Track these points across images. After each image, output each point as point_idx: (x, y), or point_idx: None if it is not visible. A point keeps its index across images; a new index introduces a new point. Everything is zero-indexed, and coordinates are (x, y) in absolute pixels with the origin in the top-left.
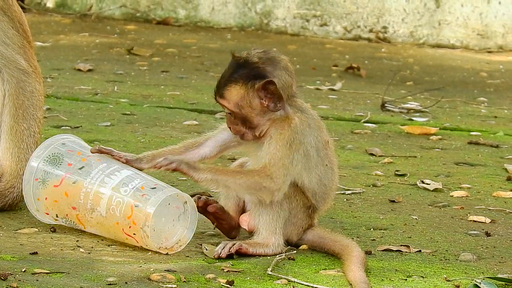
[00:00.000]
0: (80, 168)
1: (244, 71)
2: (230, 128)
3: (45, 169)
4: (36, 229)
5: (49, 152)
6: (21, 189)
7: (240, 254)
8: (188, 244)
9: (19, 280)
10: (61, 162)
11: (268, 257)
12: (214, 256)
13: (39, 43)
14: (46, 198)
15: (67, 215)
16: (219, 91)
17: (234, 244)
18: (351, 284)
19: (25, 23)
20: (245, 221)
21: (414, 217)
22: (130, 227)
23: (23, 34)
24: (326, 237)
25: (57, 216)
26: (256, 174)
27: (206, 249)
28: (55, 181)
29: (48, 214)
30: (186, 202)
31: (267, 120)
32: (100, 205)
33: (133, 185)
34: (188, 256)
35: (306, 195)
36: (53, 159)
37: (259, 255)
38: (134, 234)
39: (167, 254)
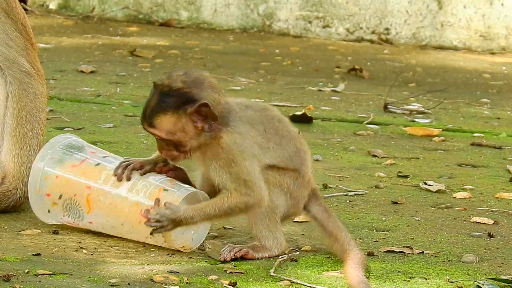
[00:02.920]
0: (104, 157)
1: (171, 99)
2: (161, 152)
3: (65, 151)
4: (39, 231)
5: (68, 142)
6: (24, 191)
7: (245, 259)
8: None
9: (22, 281)
10: (83, 149)
11: (271, 258)
12: (219, 259)
13: (41, 45)
14: (57, 176)
15: (75, 195)
16: (148, 121)
17: (241, 249)
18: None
19: (28, 25)
20: None
21: (417, 218)
22: (151, 208)
23: (26, 36)
24: (328, 230)
25: (59, 198)
26: (232, 201)
27: (209, 248)
28: (74, 161)
29: (49, 195)
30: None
31: (199, 141)
32: (122, 185)
33: (162, 177)
34: (190, 258)
35: (284, 169)
36: (75, 147)
37: (265, 258)
38: None
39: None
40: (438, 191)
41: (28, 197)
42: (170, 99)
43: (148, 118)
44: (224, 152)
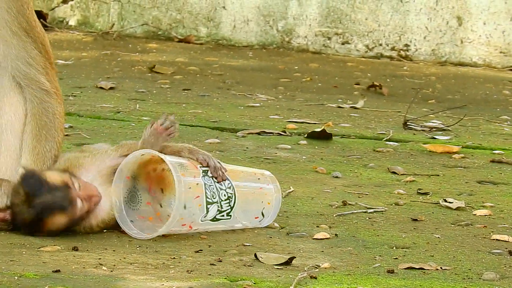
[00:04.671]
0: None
1: None
2: None
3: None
4: (59, 247)
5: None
6: None
7: None
8: (209, 261)
9: None
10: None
11: (290, 276)
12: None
13: (61, 61)
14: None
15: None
16: None
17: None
18: None
19: (47, 44)
20: None
21: (437, 235)
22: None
23: (45, 55)
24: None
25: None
26: None
27: (262, 257)
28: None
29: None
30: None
31: None
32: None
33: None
34: (210, 274)
35: None
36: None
37: None
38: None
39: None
40: (458, 208)
41: None
42: None
43: None
44: None
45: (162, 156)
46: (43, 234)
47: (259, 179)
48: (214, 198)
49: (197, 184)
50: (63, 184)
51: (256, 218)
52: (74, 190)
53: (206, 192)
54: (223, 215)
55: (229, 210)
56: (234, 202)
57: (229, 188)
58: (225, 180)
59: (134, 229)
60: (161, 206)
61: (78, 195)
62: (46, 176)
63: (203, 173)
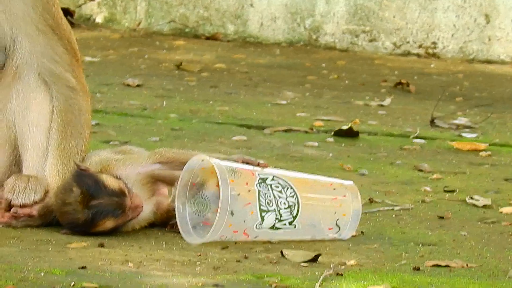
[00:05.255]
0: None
1: None
2: None
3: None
4: (85, 244)
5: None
6: None
7: None
8: (235, 258)
9: None
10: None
11: (316, 273)
12: None
13: (88, 58)
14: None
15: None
16: None
17: None
18: None
19: (73, 41)
20: None
21: (463, 233)
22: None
23: (71, 53)
24: None
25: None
26: None
27: (288, 255)
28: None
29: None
30: None
31: None
32: None
33: None
34: (236, 271)
35: None
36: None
37: None
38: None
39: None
40: (484, 206)
41: None
42: None
43: None
44: None
45: (213, 160)
46: (84, 233)
47: (334, 189)
48: (270, 206)
49: (249, 190)
50: (120, 191)
51: (330, 229)
52: (128, 199)
53: (259, 199)
54: (284, 224)
55: (291, 219)
56: (297, 212)
57: (292, 197)
58: (267, 167)
59: (192, 235)
60: (232, 214)
61: (129, 204)
62: (103, 179)
63: (260, 181)
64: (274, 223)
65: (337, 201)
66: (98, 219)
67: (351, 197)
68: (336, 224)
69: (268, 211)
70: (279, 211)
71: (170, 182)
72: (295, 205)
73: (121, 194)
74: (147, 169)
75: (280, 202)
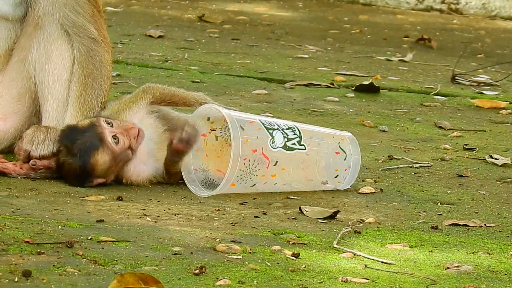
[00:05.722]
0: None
1: None
2: None
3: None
4: (103, 197)
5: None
6: None
7: None
8: (253, 214)
9: (85, 248)
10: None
11: (335, 230)
12: None
13: (110, 8)
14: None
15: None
16: None
17: None
18: None
19: None
20: None
21: (482, 192)
22: None
23: (93, 3)
24: None
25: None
26: None
27: (306, 211)
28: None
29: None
30: None
31: None
32: None
33: None
34: (254, 227)
35: None
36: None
37: None
38: None
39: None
40: (504, 165)
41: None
42: None
43: None
44: None
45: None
46: (96, 181)
47: (333, 137)
48: (273, 126)
49: (252, 122)
50: (90, 125)
51: (337, 153)
52: (104, 128)
53: (260, 120)
54: (294, 144)
55: (298, 138)
56: (300, 132)
57: (290, 127)
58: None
59: (201, 189)
60: (242, 129)
61: (110, 131)
62: (76, 125)
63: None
64: (285, 142)
65: (336, 134)
66: (88, 158)
67: (348, 138)
68: (340, 147)
69: (273, 129)
70: (282, 129)
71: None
72: (294, 127)
73: (91, 127)
74: (144, 112)
75: (280, 124)
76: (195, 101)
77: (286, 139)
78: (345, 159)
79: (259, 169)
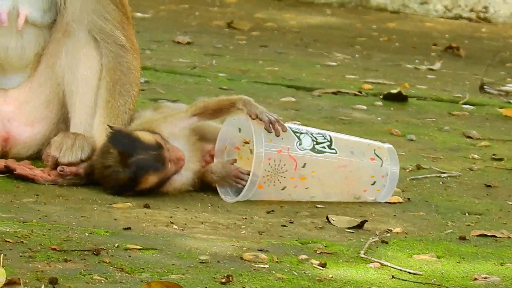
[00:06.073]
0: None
1: None
2: None
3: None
4: (130, 204)
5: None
6: None
7: None
8: (280, 223)
9: (112, 256)
10: None
11: (362, 239)
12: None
13: (139, 14)
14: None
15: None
16: None
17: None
18: None
19: None
20: None
21: (510, 203)
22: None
23: (122, 10)
24: None
25: None
26: None
27: (334, 220)
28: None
29: None
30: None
31: None
32: None
33: None
34: (281, 236)
35: None
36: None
37: None
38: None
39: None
40: None
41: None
42: None
43: None
44: None
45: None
46: (132, 193)
47: (368, 145)
48: (301, 130)
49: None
50: (156, 144)
51: (372, 159)
52: (166, 151)
53: (288, 126)
54: (323, 147)
55: (328, 143)
56: (331, 138)
57: (316, 132)
58: (285, 131)
59: (231, 195)
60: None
61: (169, 157)
62: (138, 136)
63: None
64: (313, 145)
65: (372, 143)
66: (140, 175)
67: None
68: (376, 154)
69: (300, 132)
70: (311, 134)
71: (210, 137)
72: (325, 133)
73: (158, 147)
74: (187, 123)
75: (309, 129)
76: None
77: (314, 143)
78: (381, 166)
79: (286, 170)
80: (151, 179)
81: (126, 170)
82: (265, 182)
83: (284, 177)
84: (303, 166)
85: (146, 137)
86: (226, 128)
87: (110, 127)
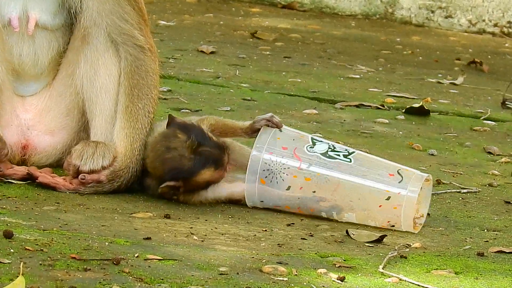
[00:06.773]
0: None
1: None
2: None
3: None
4: (151, 214)
5: None
6: (136, 170)
7: None
8: (300, 236)
9: (131, 266)
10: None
11: (381, 254)
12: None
13: (163, 22)
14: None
15: None
16: None
17: None
18: None
19: (140, 1)
20: None
21: None
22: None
23: (138, 12)
24: None
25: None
26: None
27: (353, 234)
28: None
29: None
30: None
31: None
32: None
33: None
34: (300, 249)
35: None
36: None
37: None
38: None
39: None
40: None
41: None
42: None
43: None
44: None
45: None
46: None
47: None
48: (322, 140)
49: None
50: (223, 146)
51: (391, 175)
52: (226, 156)
53: (312, 136)
54: (338, 155)
55: (346, 153)
56: (353, 152)
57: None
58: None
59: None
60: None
61: (227, 162)
62: (208, 134)
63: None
64: (327, 151)
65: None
66: (203, 166)
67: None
68: (398, 172)
69: (320, 141)
70: (332, 145)
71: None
72: (350, 149)
73: (223, 148)
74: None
75: (335, 144)
76: (241, 131)
77: (330, 150)
78: (399, 182)
79: (287, 167)
80: (207, 174)
81: (192, 156)
82: (266, 177)
83: (287, 175)
84: (308, 167)
85: (214, 137)
86: (263, 137)
87: (172, 116)
